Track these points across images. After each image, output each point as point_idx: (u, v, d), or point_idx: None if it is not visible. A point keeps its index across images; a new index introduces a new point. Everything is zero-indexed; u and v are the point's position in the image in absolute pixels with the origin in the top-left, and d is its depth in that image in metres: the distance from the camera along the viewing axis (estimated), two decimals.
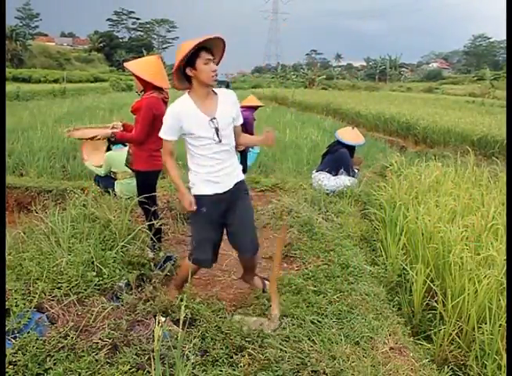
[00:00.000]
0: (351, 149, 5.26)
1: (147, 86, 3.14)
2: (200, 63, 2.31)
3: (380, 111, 13.83)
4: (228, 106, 2.48)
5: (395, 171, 5.49)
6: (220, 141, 2.42)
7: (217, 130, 2.40)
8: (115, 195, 3.83)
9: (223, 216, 2.57)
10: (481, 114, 14.03)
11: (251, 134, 5.74)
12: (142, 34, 74.95)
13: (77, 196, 3.47)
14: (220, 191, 2.49)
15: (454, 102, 22.83)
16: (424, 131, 10.84)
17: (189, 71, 2.35)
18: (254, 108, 6.00)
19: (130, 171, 4.38)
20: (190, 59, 2.32)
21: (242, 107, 5.72)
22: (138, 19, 75.17)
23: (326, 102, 18.70)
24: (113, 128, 3.54)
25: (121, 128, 3.54)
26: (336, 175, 5.18)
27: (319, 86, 40.06)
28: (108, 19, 74.20)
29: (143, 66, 3.16)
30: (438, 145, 10.06)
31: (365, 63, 78.24)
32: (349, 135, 5.32)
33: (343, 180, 5.10)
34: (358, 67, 79.88)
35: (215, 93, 2.48)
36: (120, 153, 4.21)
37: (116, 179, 4.37)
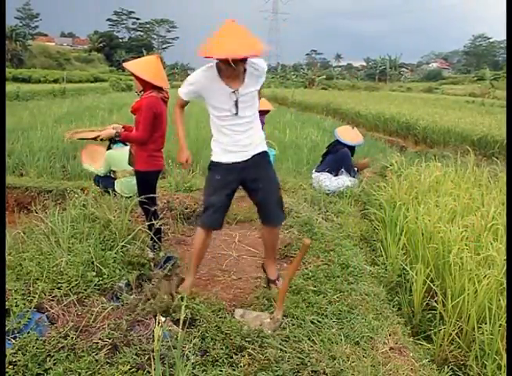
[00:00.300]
0: (351, 149, 5.27)
1: (146, 86, 3.14)
2: (221, 63, 2.38)
3: (380, 111, 13.81)
4: (254, 78, 2.50)
5: (395, 171, 5.49)
6: (236, 113, 2.46)
7: (236, 103, 2.44)
8: (115, 195, 3.83)
9: (241, 184, 2.65)
10: (480, 114, 14.01)
11: None
12: (142, 34, 74.95)
13: (77, 196, 3.47)
14: (239, 160, 2.55)
15: (454, 102, 22.81)
16: (424, 131, 10.83)
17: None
18: (265, 112, 5.86)
19: (130, 169, 4.39)
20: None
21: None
22: (138, 19, 75.23)
23: (326, 102, 18.68)
24: (113, 129, 3.54)
25: (122, 130, 3.53)
26: (336, 175, 5.19)
27: (319, 86, 40.05)
28: (108, 19, 74.30)
29: (143, 66, 3.15)
30: (437, 145, 10.04)
31: (365, 63, 78.17)
32: (349, 134, 5.32)
33: (344, 180, 5.11)
34: (358, 67, 79.79)
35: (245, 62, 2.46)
36: (121, 152, 4.21)
37: (115, 178, 4.38)
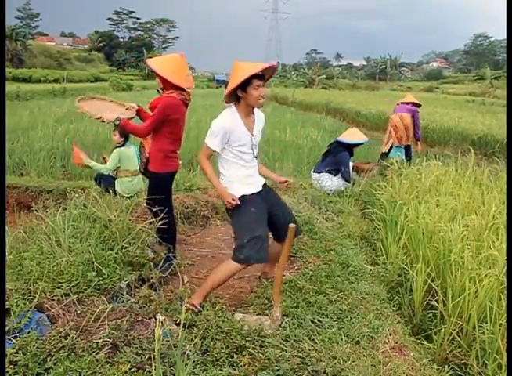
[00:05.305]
0: (349, 147, 5.29)
1: (167, 85, 3.01)
2: (250, 88, 2.53)
3: (380, 111, 13.81)
4: (260, 126, 2.76)
5: (396, 170, 5.49)
6: (256, 157, 2.73)
7: (253, 146, 2.68)
8: (115, 194, 3.82)
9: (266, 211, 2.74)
10: (481, 114, 14.02)
11: (417, 125, 6.66)
12: (142, 33, 74.82)
13: (77, 195, 3.47)
14: (256, 191, 2.72)
15: (454, 101, 22.82)
16: (424, 131, 10.82)
17: (239, 93, 2.56)
18: (417, 105, 6.71)
19: (131, 169, 4.37)
20: (242, 83, 2.51)
21: (408, 103, 6.65)
22: (138, 18, 75.05)
23: (327, 101, 18.67)
24: (127, 109, 3.35)
25: (134, 113, 3.33)
26: (336, 175, 5.20)
27: (320, 86, 40.04)
28: (108, 19, 74.06)
29: (164, 64, 3.04)
30: (438, 144, 10.05)
31: (365, 63, 78.08)
32: (346, 134, 5.39)
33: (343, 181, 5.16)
34: (358, 67, 79.67)
35: (253, 112, 2.70)
36: (131, 150, 4.24)
37: (116, 178, 4.37)
